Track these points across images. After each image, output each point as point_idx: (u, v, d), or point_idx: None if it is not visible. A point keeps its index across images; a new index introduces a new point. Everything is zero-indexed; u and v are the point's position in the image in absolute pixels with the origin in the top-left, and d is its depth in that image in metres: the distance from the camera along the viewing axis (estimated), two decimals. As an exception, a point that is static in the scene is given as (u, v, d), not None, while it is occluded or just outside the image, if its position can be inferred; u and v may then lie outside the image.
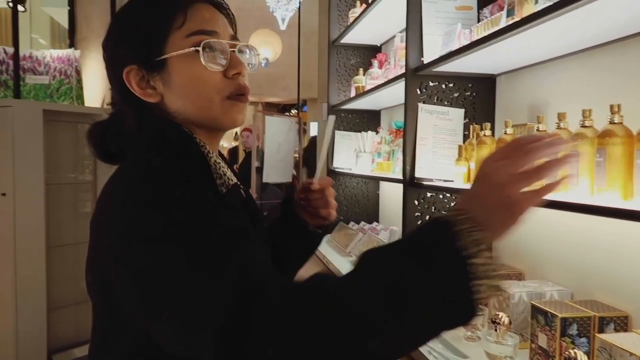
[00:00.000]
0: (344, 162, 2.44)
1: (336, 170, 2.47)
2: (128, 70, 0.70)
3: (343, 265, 1.94)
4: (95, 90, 3.83)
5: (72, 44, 3.86)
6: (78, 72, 3.55)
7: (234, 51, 0.71)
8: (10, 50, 3.20)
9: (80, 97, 3.58)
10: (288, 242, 0.90)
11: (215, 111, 0.70)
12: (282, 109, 11.53)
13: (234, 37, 0.74)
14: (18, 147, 2.63)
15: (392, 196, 2.37)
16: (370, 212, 2.55)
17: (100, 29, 3.82)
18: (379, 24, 2.19)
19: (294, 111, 11.41)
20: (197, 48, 0.68)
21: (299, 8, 3.95)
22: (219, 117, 0.71)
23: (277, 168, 2.70)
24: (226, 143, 11.71)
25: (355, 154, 2.28)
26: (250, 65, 0.75)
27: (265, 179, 2.59)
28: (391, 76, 1.96)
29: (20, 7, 4.18)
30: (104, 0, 3.70)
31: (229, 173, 0.73)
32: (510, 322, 1.06)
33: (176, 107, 0.70)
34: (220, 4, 0.75)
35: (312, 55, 5.33)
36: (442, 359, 1.09)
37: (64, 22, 3.93)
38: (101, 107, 3.72)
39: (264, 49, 9.61)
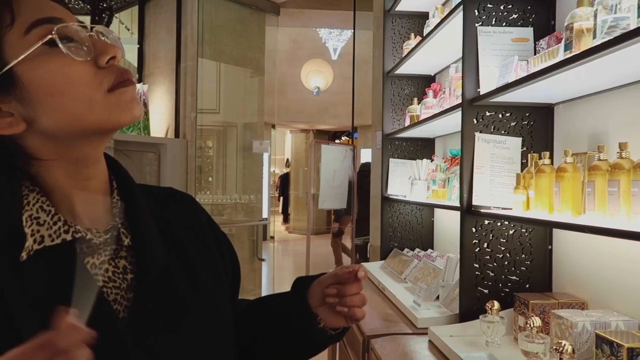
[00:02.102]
0: (398, 189, 2.48)
1: (390, 197, 2.51)
2: None
3: (399, 291, 1.96)
4: (160, 121, 4.08)
5: (140, 79, 4.15)
6: (145, 105, 3.81)
7: (92, 35, 0.57)
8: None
9: (147, 128, 3.83)
10: (281, 333, 0.74)
11: (101, 110, 0.56)
12: (332, 136, 11.69)
13: (82, 23, 0.58)
14: None
15: (447, 223, 2.38)
16: (425, 239, 2.56)
17: (165, 64, 4.10)
18: (433, 56, 2.25)
19: (344, 138, 11.54)
20: (48, 38, 0.54)
21: (354, 38, 4.07)
22: (109, 116, 0.56)
23: (332, 195, 2.78)
24: (278, 169, 11.98)
25: (410, 182, 2.32)
26: (118, 46, 0.59)
27: (321, 206, 2.67)
28: (446, 105, 2.00)
29: None
30: (169, 39, 3.98)
31: (47, 231, 0.56)
32: (573, 351, 1.06)
33: (48, 125, 0.55)
34: None
35: (363, 84, 5.45)
36: (504, 385, 1.10)
37: (133, 60, 4.23)
38: (165, 137, 3.96)
39: (316, 78, 9.87)
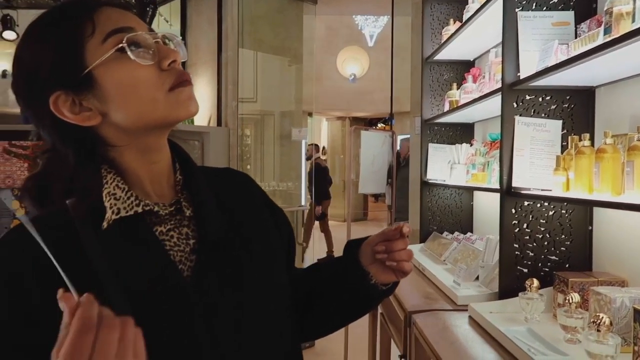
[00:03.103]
0: (437, 173, 2.53)
1: (430, 181, 2.56)
2: (54, 98, 0.64)
3: (439, 272, 2.02)
4: (203, 110, 4.23)
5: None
6: (189, 95, 3.95)
7: (158, 41, 0.66)
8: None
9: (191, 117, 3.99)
10: (337, 292, 0.81)
11: (162, 108, 0.65)
12: (368, 123, 11.69)
13: (152, 31, 0.68)
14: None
15: (486, 206, 2.41)
16: (464, 223, 2.59)
17: (206, 55, 4.23)
18: (472, 41, 2.26)
19: (380, 125, 11.53)
20: (120, 46, 0.63)
21: (392, 25, 4.09)
22: (170, 112, 0.65)
23: (372, 180, 2.85)
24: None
25: (449, 166, 2.36)
26: (180, 51, 0.68)
27: (360, 190, 2.75)
28: (486, 90, 2.03)
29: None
30: (211, 31, 4.11)
31: (122, 204, 0.65)
32: (611, 324, 1.10)
33: (120, 119, 0.65)
34: (125, 4, 0.69)
35: (401, 70, 5.44)
36: (542, 356, 1.15)
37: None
38: (208, 126, 4.11)
39: (352, 65, 9.87)
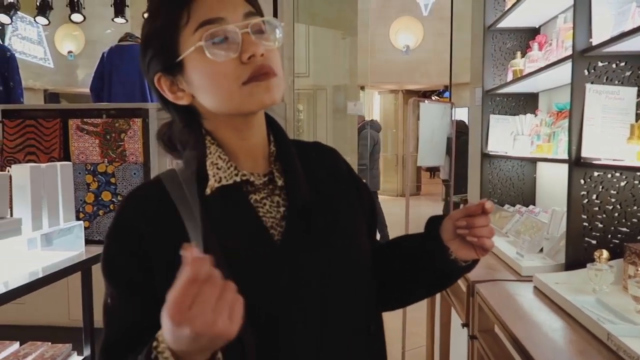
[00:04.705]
0: (499, 145, 2.48)
1: (490, 153, 2.52)
2: (157, 78, 0.72)
3: (501, 244, 2.01)
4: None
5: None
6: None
7: (247, 32, 0.67)
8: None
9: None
10: (416, 265, 0.84)
11: (237, 100, 0.68)
12: (422, 95, 11.45)
13: (251, 14, 0.70)
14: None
15: (551, 178, 2.35)
16: (526, 195, 2.55)
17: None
18: (539, 6, 2.18)
19: (434, 98, 11.27)
20: (198, 45, 0.67)
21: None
22: (243, 104, 0.69)
23: (431, 152, 2.83)
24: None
25: (512, 137, 2.31)
26: (272, 41, 0.69)
27: (419, 163, 2.74)
28: (552, 58, 1.96)
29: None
30: (266, 5, 4.14)
31: (223, 174, 0.72)
32: (688, 295, 1.08)
33: (205, 103, 0.71)
34: None
35: (457, 40, 5.29)
36: (612, 324, 1.15)
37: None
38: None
39: (405, 36, 9.65)
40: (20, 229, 1.90)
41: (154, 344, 0.58)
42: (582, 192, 1.56)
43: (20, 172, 1.98)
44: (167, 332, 0.54)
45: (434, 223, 0.83)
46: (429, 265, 0.82)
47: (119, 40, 4.23)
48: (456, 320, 2.09)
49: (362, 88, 9.31)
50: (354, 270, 0.78)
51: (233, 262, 0.67)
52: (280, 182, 0.76)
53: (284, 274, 0.70)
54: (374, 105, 11.98)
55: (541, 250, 1.83)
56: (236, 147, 0.76)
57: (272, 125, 0.81)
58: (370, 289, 0.81)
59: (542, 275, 1.54)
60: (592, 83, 1.54)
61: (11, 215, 1.94)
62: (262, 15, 0.72)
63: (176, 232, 0.68)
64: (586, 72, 1.55)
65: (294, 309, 0.71)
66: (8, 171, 2.04)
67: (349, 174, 0.87)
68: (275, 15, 4.10)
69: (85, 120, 3.67)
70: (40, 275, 1.81)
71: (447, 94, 10.69)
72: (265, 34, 0.69)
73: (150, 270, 0.68)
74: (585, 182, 1.56)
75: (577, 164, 1.55)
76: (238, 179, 0.73)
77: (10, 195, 1.95)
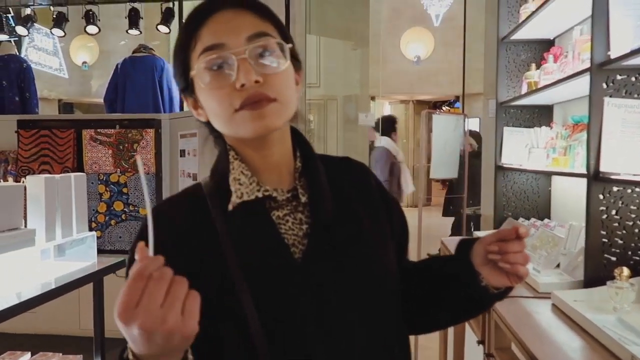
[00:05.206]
0: (513, 158, 2.45)
1: (504, 166, 2.49)
2: (183, 95, 0.76)
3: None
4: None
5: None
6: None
7: (244, 58, 0.66)
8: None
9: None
10: (444, 290, 0.79)
11: (233, 126, 0.69)
12: (433, 106, 11.43)
13: (257, 36, 0.68)
14: (214, 148, 3.14)
15: (566, 192, 2.32)
16: (541, 209, 2.51)
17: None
18: (554, 19, 2.16)
19: (445, 108, 11.24)
20: (192, 74, 0.70)
21: (465, 2, 3.96)
22: (238, 131, 0.69)
23: (444, 164, 2.81)
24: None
25: (527, 150, 2.28)
26: (275, 64, 0.68)
27: (432, 175, 2.72)
28: (568, 70, 1.94)
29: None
30: (279, 15, 4.16)
31: (245, 189, 0.72)
32: None
33: (213, 124, 0.73)
34: (239, 2, 0.71)
35: (468, 51, 5.28)
36: (636, 346, 1.11)
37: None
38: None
39: (416, 46, 9.65)
40: (34, 240, 1.91)
41: (125, 352, 0.57)
42: (601, 208, 1.53)
43: (34, 183, 1.99)
44: (124, 334, 0.53)
45: (465, 246, 0.78)
46: (458, 291, 0.78)
47: (133, 52, 4.28)
48: (470, 336, 2.06)
49: (373, 98, 9.31)
50: (378, 291, 0.75)
51: (252, 279, 0.67)
52: (304, 199, 0.74)
53: (303, 293, 0.69)
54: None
55: (558, 265, 1.80)
56: (258, 163, 0.75)
57: (299, 140, 0.79)
58: (396, 311, 0.78)
59: (560, 292, 1.50)
60: (610, 96, 1.52)
61: (25, 225, 1.95)
62: (279, 28, 0.73)
63: (198, 245, 0.69)
64: (604, 86, 1.52)
65: (313, 328, 0.68)
66: (23, 182, 2.06)
67: (378, 191, 0.84)
68: (287, 26, 4.13)
69: (98, 130, 3.70)
70: (54, 287, 1.82)
71: (458, 104, 10.66)
72: (269, 56, 0.68)
73: None
74: (604, 197, 1.53)
75: (595, 178, 1.53)
76: (260, 194, 0.72)
77: (25, 206, 1.96)
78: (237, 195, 0.72)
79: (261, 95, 0.67)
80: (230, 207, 0.71)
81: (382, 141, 4.25)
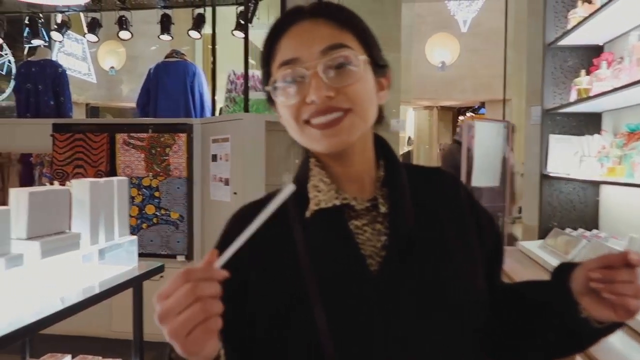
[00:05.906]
0: (560, 166, 2.39)
1: (551, 175, 2.43)
2: (270, 103, 0.75)
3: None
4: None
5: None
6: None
7: (315, 72, 0.66)
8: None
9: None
10: (536, 320, 0.70)
11: (304, 138, 0.69)
12: (457, 112, 11.32)
13: (332, 48, 0.66)
14: (247, 153, 3.13)
15: (617, 202, 2.24)
16: (588, 219, 2.43)
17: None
18: (606, 24, 2.10)
19: (469, 114, 11.12)
20: (267, 89, 0.71)
21: (506, 10, 3.90)
22: (311, 144, 0.70)
23: (486, 171, 2.75)
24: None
25: (578, 159, 2.21)
26: (349, 76, 0.66)
27: (474, 183, 2.66)
28: (624, 77, 1.88)
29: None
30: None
31: (323, 197, 0.70)
32: None
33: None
34: (317, 11, 0.70)
35: (492, 56, 5.20)
36: None
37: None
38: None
39: (441, 51, 9.57)
40: (79, 244, 1.91)
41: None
42: (669, 220, 1.46)
43: (80, 187, 1.99)
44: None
45: (563, 271, 0.69)
46: (552, 321, 0.68)
47: (166, 57, 4.31)
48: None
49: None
50: (457, 315, 0.68)
51: (325, 288, 0.65)
52: (384, 209, 0.71)
53: (374, 307, 0.65)
54: (408, 122, 11.89)
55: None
56: (338, 172, 0.73)
57: (383, 149, 0.76)
58: (476, 341, 0.70)
59: None
60: (680, 104, 1.45)
61: (69, 229, 1.95)
62: (359, 36, 0.70)
63: (274, 251, 0.69)
64: (673, 93, 1.46)
65: (380, 345, 0.64)
66: (67, 186, 2.06)
67: (470, 205, 0.78)
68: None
69: (131, 134, 3.73)
70: (98, 291, 1.81)
71: (482, 110, 10.53)
72: (343, 69, 0.67)
73: (244, 284, 0.68)
74: (672, 209, 1.46)
75: (664, 189, 1.46)
76: (338, 202, 0.70)
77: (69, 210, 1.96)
78: (315, 202, 0.71)
79: (331, 108, 0.66)
80: (308, 214, 0.70)
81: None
